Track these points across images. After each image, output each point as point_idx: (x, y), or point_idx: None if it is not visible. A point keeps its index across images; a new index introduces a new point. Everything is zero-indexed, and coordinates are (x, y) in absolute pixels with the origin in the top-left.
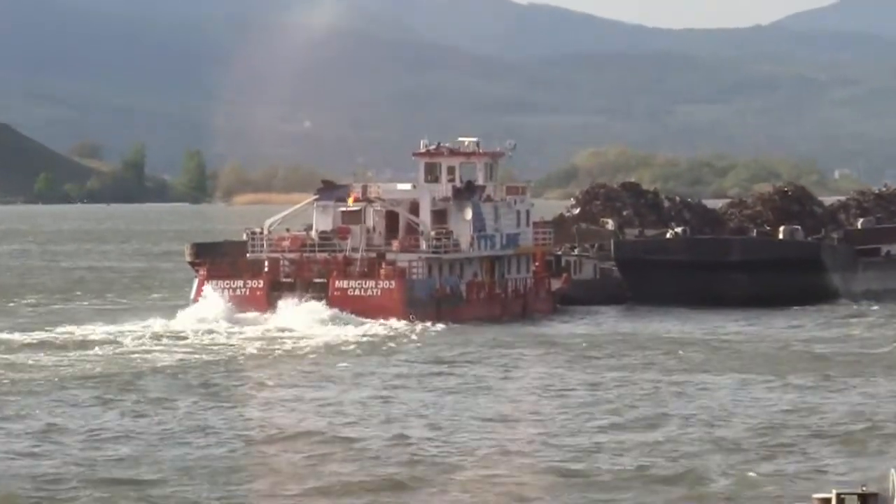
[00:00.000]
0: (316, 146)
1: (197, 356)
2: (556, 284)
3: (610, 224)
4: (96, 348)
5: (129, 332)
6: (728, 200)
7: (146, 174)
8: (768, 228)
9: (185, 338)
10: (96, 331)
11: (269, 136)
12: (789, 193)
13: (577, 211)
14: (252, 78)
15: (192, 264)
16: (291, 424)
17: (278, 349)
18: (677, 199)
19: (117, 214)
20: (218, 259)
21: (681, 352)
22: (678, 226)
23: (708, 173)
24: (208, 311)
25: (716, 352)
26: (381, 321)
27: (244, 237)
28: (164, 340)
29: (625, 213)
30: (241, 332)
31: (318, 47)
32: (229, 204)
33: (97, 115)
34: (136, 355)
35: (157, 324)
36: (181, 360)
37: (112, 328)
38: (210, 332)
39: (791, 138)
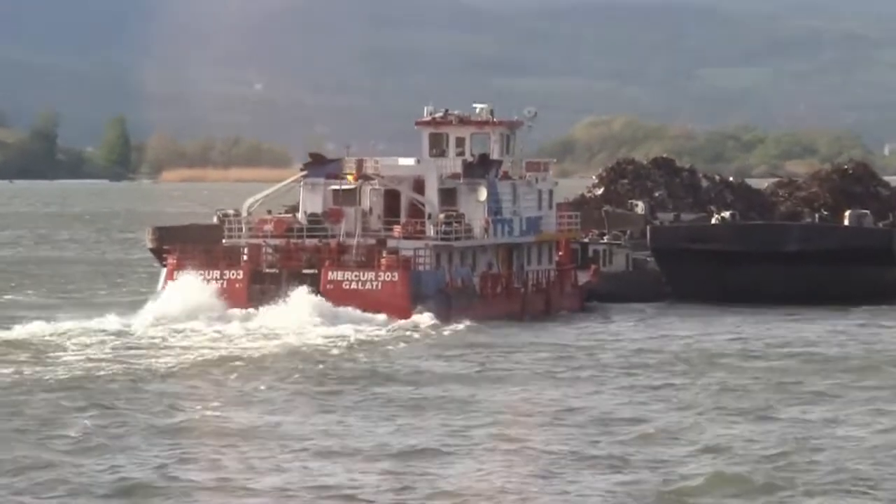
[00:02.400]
0: (268, 113)
1: (140, 362)
2: (583, 277)
3: (640, 207)
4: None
5: (71, 331)
6: (775, 179)
7: (59, 145)
8: (826, 213)
9: (138, 338)
10: (37, 329)
11: (211, 100)
12: (850, 172)
13: (600, 191)
14: (191, 31)
15: (155, 251)
16: (217, 460)
17: (248, 353)
18: (717, 177)
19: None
20: (187, 245)
21: (744, 364)
22: (718, 209)
23: (732, 148)
24: (177, 306)
25: (791, 364)
26: (382, 319)
27: (215, 220)
28: (110, 342)
29: (657, 193)
30: (207, 332)
31: None
32: (156, 181)
33: (0, 74)
34: (56, 362)
35: (109, 322)
36: (107, 367)
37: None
38: (173, 332)
39: (835, 107)
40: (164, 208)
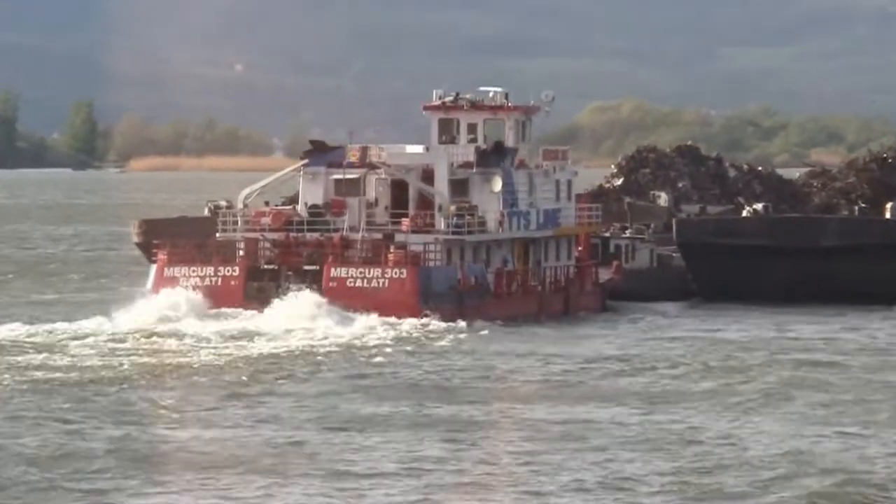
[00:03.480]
0: (248, 97)
1: (118, 368)
2: (604, 275)
3: (662, 198)
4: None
5: (53, 332)
6: (807, 169)
7: (19, 132)
8: (864, 206)
9: (123, 341)
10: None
11: (186, 83)
12: (889, 161)
13: (619, 181)
14: (165, 7)
15: (142, 246)
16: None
17: (237, 357)
18: (745, 166)
19: None
20: (179, 240)
21: (801, 373)
22: (747, 200)
23: (751, 135)
24: (169, 305)
25: (825, 374)
26: (388, 320)
27: (206, 212)
28: (88, 345)
29: (680, 184)
30: (198, 334)
31: None
32: (123, 170)
33: None
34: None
35: (96, 323)
36: (92, 372)
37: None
38: (161, 334)
39: (867, 90)
40: (135, 198)
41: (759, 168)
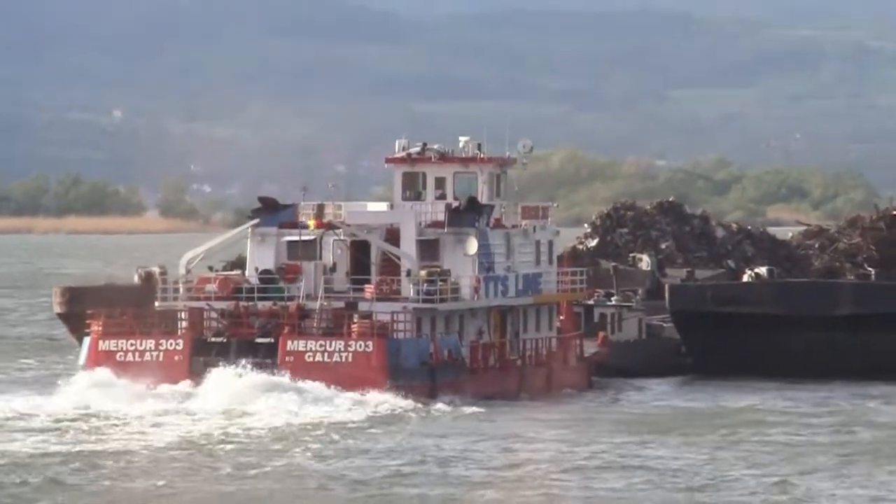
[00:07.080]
0: (128, 147)
1: (39, 457)
2: (589, 347)
3: (644, 261)
4: None
5: None
6: (802, 228)
7: None
8: (871, 269)
9: (48, 425)
10: None
11: (53, 131)
12: None
13: (594, 242)
14: (30, 38)
15: (65, 316)
16: None
17: (173, 443)
18: (734, 226)
19: None
20: (111, 309)
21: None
22: (737, 263)
23: (701, 189)
24: (105, 383)
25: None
26: (351, 399)
27: (136, 280)
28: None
29: (664, 245)
30: (134, 415)
31: None
32: None
33: None
34: None
35: (30, 404)
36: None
37: None
38: (93, 416)
39: (838, 137)
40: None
41: (749, 227)
